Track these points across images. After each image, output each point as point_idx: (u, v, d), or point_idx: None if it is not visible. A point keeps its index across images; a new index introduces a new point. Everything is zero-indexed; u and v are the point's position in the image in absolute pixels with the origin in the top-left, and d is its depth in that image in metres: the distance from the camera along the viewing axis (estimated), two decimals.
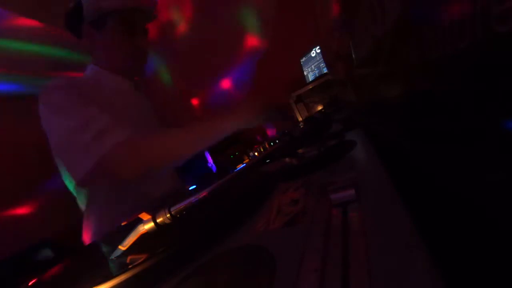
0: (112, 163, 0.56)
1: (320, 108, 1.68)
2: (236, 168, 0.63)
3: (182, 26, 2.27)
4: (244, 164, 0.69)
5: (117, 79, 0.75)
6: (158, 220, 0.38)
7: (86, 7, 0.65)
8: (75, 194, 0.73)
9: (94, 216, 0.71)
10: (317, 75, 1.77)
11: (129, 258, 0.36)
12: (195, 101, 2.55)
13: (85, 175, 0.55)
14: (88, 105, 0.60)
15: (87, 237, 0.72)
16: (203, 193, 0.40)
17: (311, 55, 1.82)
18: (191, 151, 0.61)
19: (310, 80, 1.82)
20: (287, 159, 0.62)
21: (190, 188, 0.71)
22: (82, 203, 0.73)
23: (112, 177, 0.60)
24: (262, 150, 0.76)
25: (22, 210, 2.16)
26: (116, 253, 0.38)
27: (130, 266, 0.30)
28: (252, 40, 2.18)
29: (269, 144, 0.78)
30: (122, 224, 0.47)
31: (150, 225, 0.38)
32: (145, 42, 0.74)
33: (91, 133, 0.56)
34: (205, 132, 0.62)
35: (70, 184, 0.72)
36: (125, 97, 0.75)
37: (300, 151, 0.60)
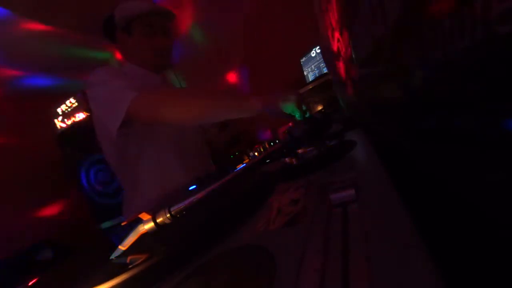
0: (140, 111, 0.64)
1: (320, 108, 1.68)
2: (236, 168, 0.63)
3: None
4: (244, 164, 0.69)
5: (148, 74, 0.85)
6: (158, 220, 0.38)
7: (116, 16, 0.78)
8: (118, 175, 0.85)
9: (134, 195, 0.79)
10: (317, 75, 1.77)
11: (129, 258, 0.36)
12: None
13: (119, 126, 0.64)
14: (121, 79, 0.70)
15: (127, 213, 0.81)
16: (203, 193, 0.40)
17: (311, 55, 1.81)
18: (206, 114, 0.66)
19: (310, 80, 1.82)
20: (287, 159, 0.62)
21: (190, 188, 0.71)
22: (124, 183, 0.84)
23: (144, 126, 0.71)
24: (262, 150, 0.76)
25: (22, 210, 2.16)
26: (116, 253, 0.38)
27: (130, 266, 0.30)
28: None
29: (269, 144, 0.78)
30: (122, 224, 0.47)
31: (150, 225, 0.37)
32: (165, 41, 0.84)
33: (119, 93, 0.65)
34: (226, 101, 0.66)
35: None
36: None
37: (300, 151, 0.60)
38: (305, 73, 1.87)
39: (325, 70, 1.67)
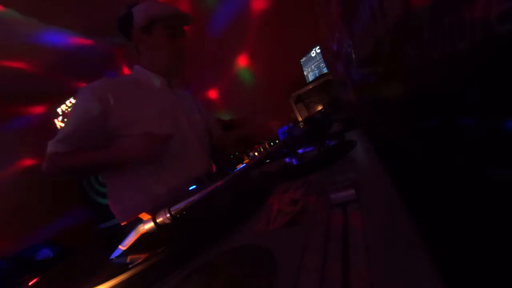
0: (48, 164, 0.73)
1: (320, 108, 1.68)
2: (236, 168, 0.63)
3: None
4: (244, 164, 0.69)
5: (154, 77, 0.88)
6: (158, 220, 0.37)
7: (136, 15, 0.81)
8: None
9: (118, 203, 0.79)
10: (317, 75, 1.77)
11: (129, 258, 0.36)
12: None
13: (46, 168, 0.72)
14: (90, 111, 0.73)
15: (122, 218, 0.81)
16: (203, 193, 0.40)
17: (311, 55, 1.81)
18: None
19: (310, 80, 1.82)
20: (287, 159, 0.62)
21: (190, 188, 0.71)
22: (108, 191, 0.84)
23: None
24: (262, 150, 0.76)
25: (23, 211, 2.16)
26: (116, 253, 0.38)
27: (130, 266, 0.30)
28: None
29: (269, 144, 0.78)
30: (122, 224, 0.47)
31: (150, 225, 0.37)
32: (184, 43, 0.89)
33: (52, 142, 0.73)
34: (100, 160, 0.73)
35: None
36: (159, 93, 0.88)
37: (300, 151, 0.60)
38: (305, 73, 1.87)
39: (325, 70, 1.67)
